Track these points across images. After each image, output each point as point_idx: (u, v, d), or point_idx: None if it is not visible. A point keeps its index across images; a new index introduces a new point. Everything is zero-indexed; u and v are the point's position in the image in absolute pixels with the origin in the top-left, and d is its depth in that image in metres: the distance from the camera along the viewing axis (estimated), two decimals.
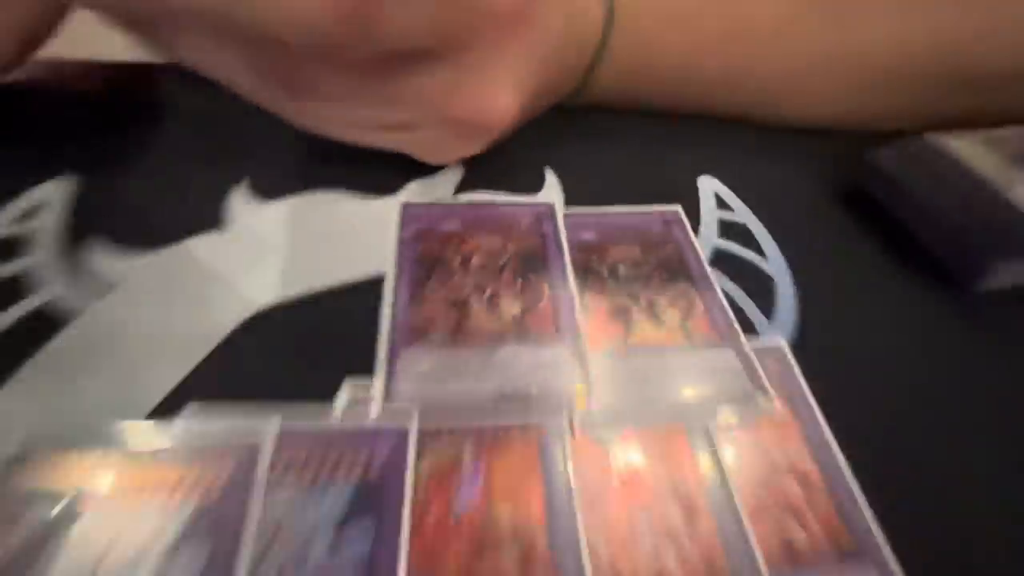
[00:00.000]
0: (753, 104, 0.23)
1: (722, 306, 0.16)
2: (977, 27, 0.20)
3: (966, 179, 0.17)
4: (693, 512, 0.12)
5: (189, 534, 0.10)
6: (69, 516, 0.10)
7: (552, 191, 0.19)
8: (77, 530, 0.10)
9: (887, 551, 0.11)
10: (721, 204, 0.19)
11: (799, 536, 0.12)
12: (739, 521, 0.11)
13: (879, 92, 0.21)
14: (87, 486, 0.11)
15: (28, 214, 0.16)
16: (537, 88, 0.18)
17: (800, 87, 0.22)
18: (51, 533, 0.10)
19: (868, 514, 0.12)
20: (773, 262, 0.18)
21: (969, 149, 0.18)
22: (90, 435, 0.11)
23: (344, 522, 0.11)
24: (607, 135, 0.22)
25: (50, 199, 0.16)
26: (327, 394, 0.13)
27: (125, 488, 0.11)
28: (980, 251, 0.17)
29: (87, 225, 0.16)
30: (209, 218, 0.16)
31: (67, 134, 0.20)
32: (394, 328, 0.14)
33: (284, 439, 0.12)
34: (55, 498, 0.11)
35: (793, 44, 0.21)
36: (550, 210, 0.18)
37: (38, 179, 0.17)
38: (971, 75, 0.20)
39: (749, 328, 0.16)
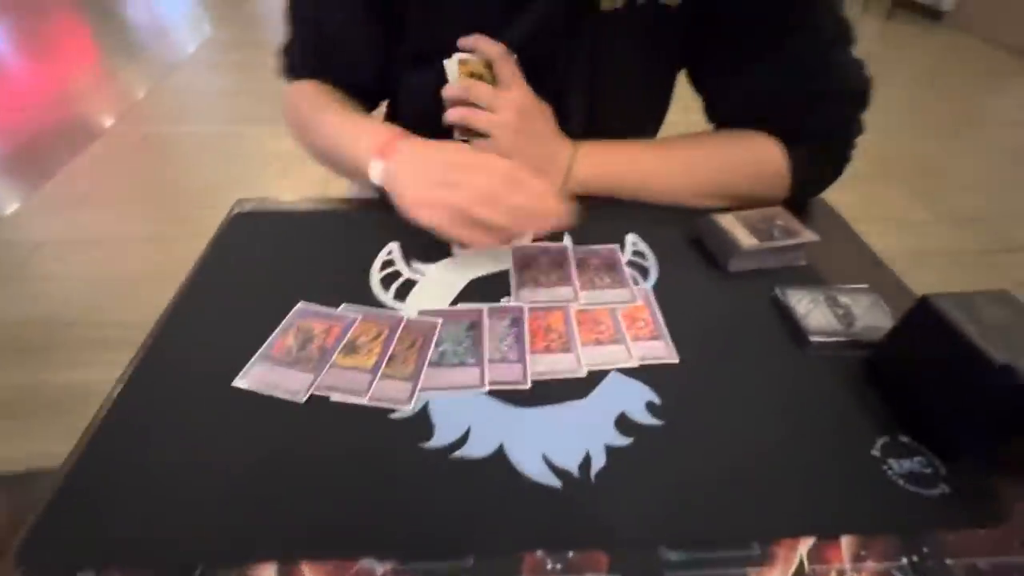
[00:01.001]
0: (653, 199, 0.52)
1: (626, 277, 0.45)
2: (732, 179, 0.50)
3: (719, 230, 0.46)
4: (607, 324, 0.40)
5: (467, 333, 0.39)
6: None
7: (567, 240, 0.49)
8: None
9: (666, 337, 0.39)
10: (634, 244, 0.49)
11: (638, 331, 0.40)
12: (620, 330, 0.40)
13: (698, 197, 0.51)
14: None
15: (390, 252, 0.47)
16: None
17: (672, 195, 0.52)
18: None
19: (662, 324, 0.40)
20: (650, 262, 0.47)
21: (724, 219, 0.47)
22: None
23: (512, 326, 0.40)
24: (591, 218, 0.52)
25: (393, 247, 0.47)
26: (499, 299, 0.42)
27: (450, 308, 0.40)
28: (725, 253, 0.45)
29: (408, 256, 0.46)
30: (446, 253, 0.47)
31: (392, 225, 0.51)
32: (515, 282, 0.44)
33: (488, 309, 0.41)
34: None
35: (665, 180, 0.51)
36: (565, 248, 0.48)
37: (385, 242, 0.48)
38: (733, 193, 0.50)
39: (637, 283, 0.44)
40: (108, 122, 2.27)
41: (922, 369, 0.34)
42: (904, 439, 0.34)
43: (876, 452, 0.33)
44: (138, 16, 3.69)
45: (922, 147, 2.28)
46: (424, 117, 0.49)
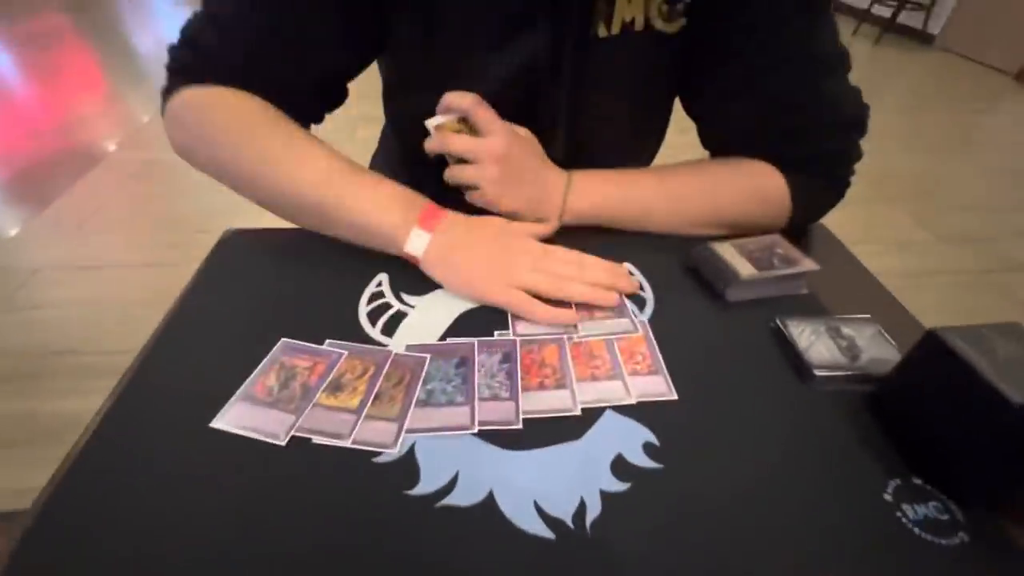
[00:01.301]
0: (651, 228, 0.51)
1: (625, 308, 0.43)
2: (733, 207, 0.49)
3: (717, 259, 0.45)
4: (603, 358, 0.39)
5: (456, 370, 0.38)
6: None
7: None
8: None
9: (664, 372, 0.38)
10: (631, 274, 0.48)
11: (635, 366, 0.38)
12: (618, 365, 0.38)
13: (697, 226, 0.50)
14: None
15: (379, 283, 0.45)
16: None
17: (671, 224, 0.51)
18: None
19: (660, 359, 0.38)
20: (647, 292, 0.45)
21: (722, 247, 0.46)
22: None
23: (503, 361, 0.38)
24: (586, 248, 0.51)
25: (382, 278, 0.46)
26: (491, 333, 0.41)
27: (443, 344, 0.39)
28: (723, 283, 0.44)
29: (397, 288, 0.45)
30: (437, 285, 0.46)
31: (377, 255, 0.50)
32: (511, 314, 0.42)
33: (479, 344, 0.40)
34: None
35: (664, 209, 0.50)
36: None
37: (375, 273, 0.47)
38: (733, 221, 0.49)
39: (635, 314, 0.43)
40: (111, 148, 2.29)
41: (932, 406, 0.33)
42: (917, 481, 0.32)
43: (888, 496, 0.31)
44: (143, 44, 3.77)
45: (918, 168, 2.30)
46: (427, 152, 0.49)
